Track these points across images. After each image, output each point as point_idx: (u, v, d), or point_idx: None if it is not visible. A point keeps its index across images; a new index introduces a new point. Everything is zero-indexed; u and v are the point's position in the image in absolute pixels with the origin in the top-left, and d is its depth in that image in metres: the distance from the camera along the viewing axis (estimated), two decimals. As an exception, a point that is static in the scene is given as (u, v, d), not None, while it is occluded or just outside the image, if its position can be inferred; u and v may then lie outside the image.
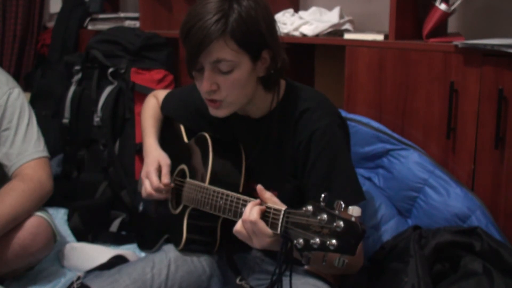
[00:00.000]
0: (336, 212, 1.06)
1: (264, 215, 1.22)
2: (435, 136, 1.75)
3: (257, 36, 1.32)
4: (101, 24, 2.93)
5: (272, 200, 1.23)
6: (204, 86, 1.35)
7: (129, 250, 1.99)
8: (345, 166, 1.38)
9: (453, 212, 1.62)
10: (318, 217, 1.07)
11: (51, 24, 3.26)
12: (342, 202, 1.07)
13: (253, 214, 1.21)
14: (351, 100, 1.97)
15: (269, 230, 1.20)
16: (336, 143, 1.37)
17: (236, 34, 1.29)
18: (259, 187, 1.26)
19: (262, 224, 1.20)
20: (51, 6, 3.42)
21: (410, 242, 1.49)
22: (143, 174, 1.60)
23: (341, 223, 1.03)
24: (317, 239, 1.06)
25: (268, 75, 1.38)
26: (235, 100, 1.37)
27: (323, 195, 1.10)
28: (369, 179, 1.81)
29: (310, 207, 1.10)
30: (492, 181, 1.63)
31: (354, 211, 1.05)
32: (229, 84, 1.33)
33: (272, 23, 1.37)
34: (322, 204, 1.09)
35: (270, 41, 1.34)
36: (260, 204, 1.24)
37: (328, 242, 1.04)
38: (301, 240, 1.09)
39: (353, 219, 1.04)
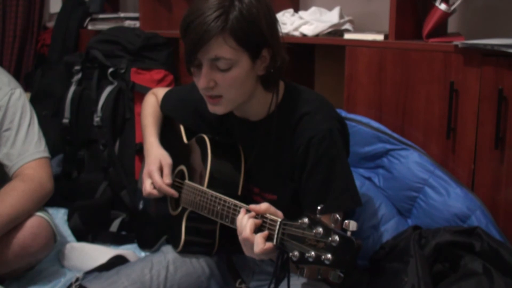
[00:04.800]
0: (332, 225, 1.05)
1: (260, 225, 1.20)
2: (435, 136, 1.75)
3: (258, 34, 1.31)
4: (101, 24, 2.93)
5: (269, 211, 1.20)
6: (201, 82, 1.34)
7: (129, 250, 1.99)
8: (342, 172, 1.37)
9: (453, 212, 1.62)
10: (314, 231, 1.06)
11: (51, 24, 3.26)
12: (338, 216, 1.05)
13: (246, 231, 1.19)
14: (351, 100, 1.97)
15: (266, 245, 1.17)
16: (334, 148, 1.36)
17: (236, 31, 1.28)
18: (251, 206, 1.22)
19: (258, 240, 1.17)
20: (51, 6, 3.43)
21: (410, 242, 1.48)
22: (145, 173, 1.59)
23: (337, 238, 1.02)
24: (312, 253, 1.05)
25: (267, 74, 1.37)
26: (233, 98, 1.36)
27: (319, 207, 1.09)
28: (369, 179, 1.81)
29: (306, 220, 1.09)
30: (492, 181, 1.63)
31: (350, 225, 1.03)
32: (227, 81, 1.32)
33: (273, 22, 1.36)
34: (318, 216, 1.08)
35: (271, 40, 1.33)
36: (256, 216, 1.22)
37: (323, 257, 1.03)
38: (296, 253, 1.08)
39: (348, 233, 1.03)
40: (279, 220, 1.16)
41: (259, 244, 1.17)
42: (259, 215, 1.21)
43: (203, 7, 1.29)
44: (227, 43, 1.28)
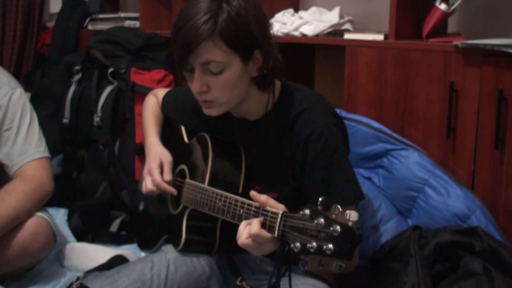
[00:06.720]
0: (333, 216, 1.06)
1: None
2: (435, 136, 1.75)
3: (247, 36, 1.31)
4: (101, 24, 2.93)
5: (269, 204, 1.22)
6: (194, 87, 1.35)
7: (129, 250, 1.99)
8: (343, 166, 1.38)
9: (453, 212, 1.62)
10: (315, 221, 1.06)
11: (51, 24, 3.26)
12: (339, 206, 1.06)
13: (253, 228, 1.19)
14: (351, 100, 1.97)
15: (269, 235, 1.18)
16: (333, 143, 1.37)
17: (226, 34, 1.28)
18: (253, 193, 1.23)
19: (263, 233, 1.19)
20: (51, 6, 3.43)
21: (410, 242, 1.49)
22: (145, 171, 1.59)
23: (338, 228, 1.03)
24: (314, 243, 1.05)
25: (261, 75, 1.38)
26: (227, 101, 1.37)
27: (320, 199, 1.09)
28: (369, 179, 1.82)
29: (307, 211, 1.09)
30: (492, 181, 1.63)
31: (351, 215, 1.04)
32: (219, 85, 1.33)
33: (264, 22, 1.36)
34: (319, 207, 1.09)
35: (262, 41, 1.33)
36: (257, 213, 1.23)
37: (324, 247, 1.04)
38: (298, 244, 1.09)
39: (350, 223, 1.04)
40: (281, 212, 1.17)
41: (254, 227, 1.18)
42: (259, 209, 1.22)
43: (192, 11, 1.29)
44: (218, 46, 1.29)
